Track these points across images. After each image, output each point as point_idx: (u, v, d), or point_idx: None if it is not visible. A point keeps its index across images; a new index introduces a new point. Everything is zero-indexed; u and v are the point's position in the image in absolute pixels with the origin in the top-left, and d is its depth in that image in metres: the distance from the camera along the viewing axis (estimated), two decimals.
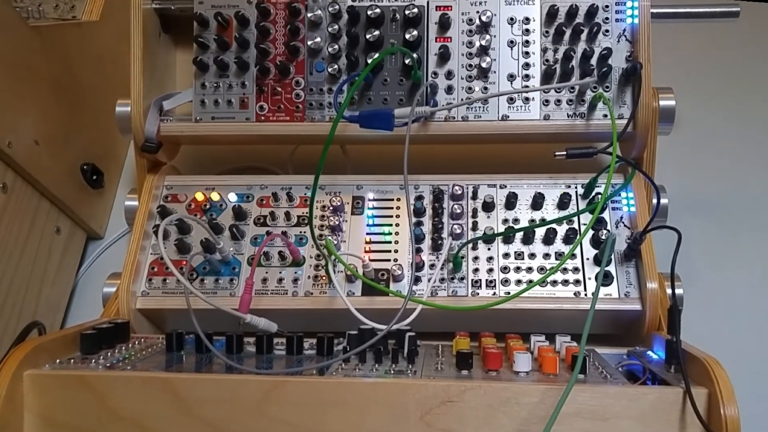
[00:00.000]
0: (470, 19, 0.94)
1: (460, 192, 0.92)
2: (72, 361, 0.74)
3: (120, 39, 0.99)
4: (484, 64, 0.92)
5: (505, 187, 0.94)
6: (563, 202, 0.91)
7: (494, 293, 0.87)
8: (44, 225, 1.01)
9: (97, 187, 1.10)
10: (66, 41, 1.06)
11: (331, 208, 0.93)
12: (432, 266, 0.89)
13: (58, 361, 0.74)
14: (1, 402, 0.66)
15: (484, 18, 0.92)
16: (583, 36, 0.92)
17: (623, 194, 0.92)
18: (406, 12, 0.92)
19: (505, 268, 0.88)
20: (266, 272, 0.90)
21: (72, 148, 1.06)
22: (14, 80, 0.93)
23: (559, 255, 0.89)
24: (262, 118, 0.95)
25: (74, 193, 1.06)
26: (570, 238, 0.89)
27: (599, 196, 0.92)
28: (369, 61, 0.92)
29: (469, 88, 0.93)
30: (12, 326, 0.93)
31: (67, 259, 1.06)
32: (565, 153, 0.88)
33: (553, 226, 0.89)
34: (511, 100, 0.93)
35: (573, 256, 0.89)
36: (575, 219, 0.91)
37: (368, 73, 0.92)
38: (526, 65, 0.93)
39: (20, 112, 0.94)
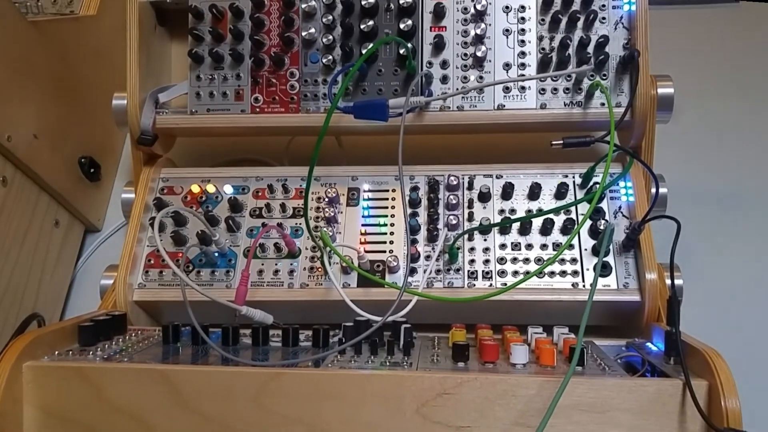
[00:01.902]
0: (465, 8, 0.93)
1: (455, 182, 0.92)
2: (70, 352, 0.75)
3: (117, 33, 0.99)
4: (479, 53, 0.92)
5: (502, 177, 0.93)
6: (560, 192, 0.91)
7: (491, 284, 0.87)
8: (43, 218, 1.01)
9: (95, 180, 1.11)
10: (64, 36, 1.06)
11: (326, 199, 0.93)
12: (428, 257, 0.89)
13: (56, 352, 0.74)
14: (1, 393, 0.67)
15: (479, 6, 0.92)
16: (580, 23, 0.91)
17: (621, 183, 0.91)
18: (400, 1, 0.91)
19: (502, 259, 0.88)
20: (262, 264, 0.90)
21: (70, 141, 1.06)
22: (13, 75, 0.93)
23: (556, 245, 0.88)
24: (257, 109, 0.95)
25: (72, 186, 1.06)
26: (567, 228, 0.89)
27: (597, 185, 0.91)
28: (363, 51, 0.92)
29: (465, 78, 0.93)
30: (12, 318, 0.94)
31: (65, 252, 1.07)
32: (561, 142, 0.87)
33: (551, 216, 0.88)
34: (507, 89, 0.92)
35: (571, 246, 0.88)
36: (573, 209, 0.90)
37: (363, 64, 0.91)
38: (522, 54, 0.92)
39: (19, 106, 0.95)
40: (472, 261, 0.88)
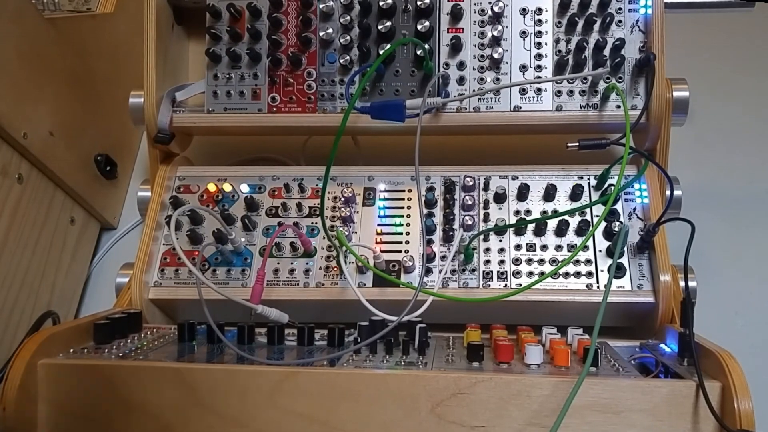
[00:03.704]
0: (482, 10, 0.93)
1: (471, 183, 0.92)
2: (85, 350, 0.75)
3: (134, 30, 0.99)
4: (496, 55, 0.92)
5: (517, 178, 0.93)
6: (576, 194, 0.91)
7: (506, 285, 0.87)
8: (59, 215, 1.02)
9: (111, 177, 1.11)
10: (81, 33, 1.07)
11: (342, 199, 0.93)
12: (443, 258, 0.89)
13: (71, 350, 0.74)
14: (16, 391, 0.67)
15: (496, 8, 0.92)
16: (596, 26, 0.91)
17: (636, 186, 0.92)
18: (418, 3, 0.92)
19: (517, 259, 0.88)
20: (278, 263, 0.90)
21: (86, 138, 1.06)
22: (30, 72, 0.93)
23: (571, 247, 0.89)
24: (274, 109, 0.95)
25: (88, 183, 1.06)
26: (582, 229, 0.89)
27: (612, 187, 0.91)
28: (381, 52, 0.92)
29: (481, 79, 0.93)
30: (27, 316, 0.94)
31: (80, 250, 1.07)
32: (577, 144, 0.88)
33: (566, 217, 0.89)
34: (523, 91, 0.92)
35: (585, 247, 0.88)
36: (588, 210, 0.91)
37: (380, 64, 0.92)
38: (539, 56, 0.92)
39: (36, 103, 0.95)
40: (487, 261, 0.88)
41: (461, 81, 0.93)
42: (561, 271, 0.87)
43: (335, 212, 0.93)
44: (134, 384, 0.69)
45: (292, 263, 0.90)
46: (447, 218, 0.91)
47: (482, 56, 0.93)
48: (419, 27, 0.92)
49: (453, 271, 0.88)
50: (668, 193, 0.89)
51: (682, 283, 0.82)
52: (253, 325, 0.81)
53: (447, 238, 0.90)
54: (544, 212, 0.91)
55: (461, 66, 0.93)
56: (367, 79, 0.92)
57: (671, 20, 0.91)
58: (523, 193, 0.91)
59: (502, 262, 0.88)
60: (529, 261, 0.88)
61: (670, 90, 0.90)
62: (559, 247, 0.89)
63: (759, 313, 0.99)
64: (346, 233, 0.91)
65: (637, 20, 0.91)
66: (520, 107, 0.92)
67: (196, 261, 0.90)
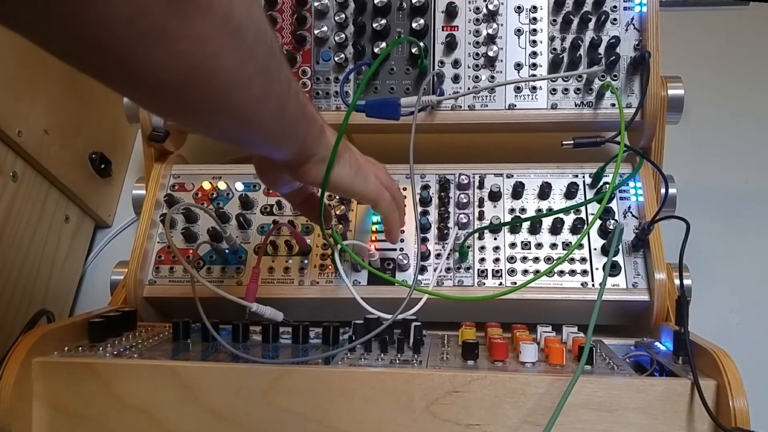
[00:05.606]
0: (477, 8, 0.93)
1: (466, 181, 0.92)
2: (80, 348, 0.75)
3: None
4: (491, 53, 0.92)
5: (512, 176, 0.93)
6: (570, 192, 0.91)
7: (500, 283, 0.87)
8: (53, 213, 1.01)
9: (106, 176, 1.11)
10: None
11: (337, 197, 0.93)
12: (438, 256, 0.89)
13: (66, 348, 0.74)
14: (11, 389, 0.67)
15: (491, 6, 0.92)
16: (591, 24, 0.91)
17: (631, 184, 0.92)
18: (413, 0, 0.92)
19: (512, 258, 0.88)
20: (273, 261, 0.90)
21: (81, 137, 1.06)
22: (24, 69, 0.93)
23: (566, 245, 0.88)
24: None
25: (83, 181, 1.06)
26: (577, 227, 0.89)
27: (607, 185, 0.91)
28: (376, 49, 0.92)
29: (476, 77, 0.93)
30: (21, 314, 0.94)
31: (75, 248, 1.07)
32: (572, 142, 0.88)
33: (561, 215, 0.89)
34: (518, 89, 0.92)
35: (580, 246, 0.88)
36: (583, 209, 0.91)
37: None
38: (534, 54, 0.92)
39: (30, 101, 0.94)
40: (482, 260, 0.88)
41: (456, 79, 0.93)
42: (556, 270, 0.87)
43: (330, 210, 0.92)
44: (129, 382, 0.69)
45: (287, 261, 0.90)
46: (442, 216, 0.91)
47: (477, 54, 0.93)
48: (414, 25, 0.92)
49: (448, 270, 0.88)
50: (663, 191, 0.89)
51: (677, 281, 0.82)
52: (248, 323, 0.81)
53: (442, 237, 0.90)
54: (539, 210, 0.91)
55: (456, 64, 0.93)
56: (365, 82, 0.92)
57: (666, 18, 0.91)
58: (518, 191, 0.91)
59: (497, 260, 0.88)
60: (524, 259, 0.88)
61: (665, 88, 0.90)
62: (554, 246, 0.89)
63: (754, 311, 0.99)
64: (341, 231, 0.90)
65: (632, 18, 0.91)
66: (515, 105, 0.92)
67: (190, 259, 0.90)
